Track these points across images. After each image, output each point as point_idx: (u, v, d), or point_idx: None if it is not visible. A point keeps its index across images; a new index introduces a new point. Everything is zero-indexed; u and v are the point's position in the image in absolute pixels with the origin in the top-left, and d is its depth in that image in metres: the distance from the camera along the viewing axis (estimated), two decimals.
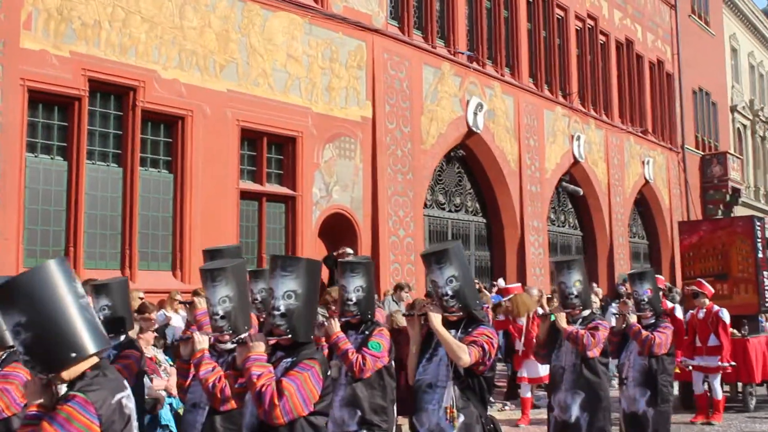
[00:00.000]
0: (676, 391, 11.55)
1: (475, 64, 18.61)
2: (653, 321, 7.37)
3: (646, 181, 26.36)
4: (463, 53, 18.19)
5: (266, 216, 13.50)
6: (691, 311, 11.65)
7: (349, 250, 13.95)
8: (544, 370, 10.46)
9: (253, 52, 13.16)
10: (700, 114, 31.44)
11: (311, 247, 13.81)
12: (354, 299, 5.76)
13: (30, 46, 10.34)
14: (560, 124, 21.81)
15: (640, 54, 26.53)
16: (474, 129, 18.11)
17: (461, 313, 4.72)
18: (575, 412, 6.28)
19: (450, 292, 4.67)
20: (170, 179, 12.07)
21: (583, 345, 6.29)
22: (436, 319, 4.63)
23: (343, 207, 14.67)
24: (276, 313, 4.01)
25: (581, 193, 22.49)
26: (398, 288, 13.05)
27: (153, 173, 11.94)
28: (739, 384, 12.45)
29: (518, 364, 11.69)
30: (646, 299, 7.32)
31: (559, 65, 22.19)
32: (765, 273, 13.42)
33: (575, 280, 6.52)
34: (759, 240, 13.43)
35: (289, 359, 4.00)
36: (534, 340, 10.19)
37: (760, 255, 13.39)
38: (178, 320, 10.00)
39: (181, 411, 7.44)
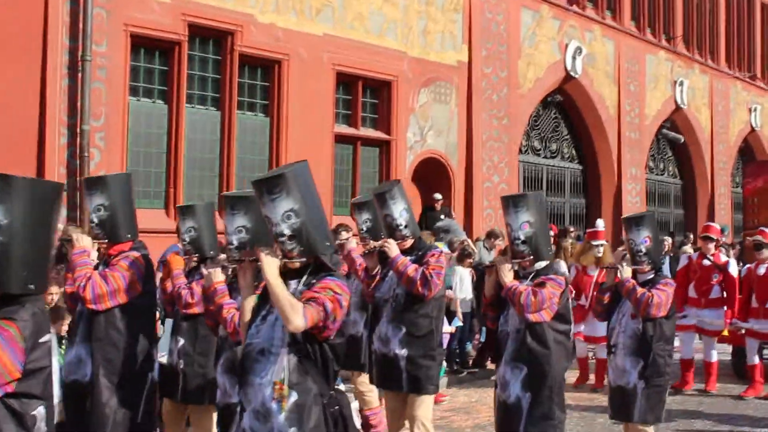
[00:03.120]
0: (729, 356, 10.75)
1: (575, 7, 18.00)
2: (651, 276, 5.87)
3: (753, 129, 25.24)
4: None
5: (360, 160, 13.52)
6: (749, 265, 10.22)
7: (438, 196, 13.91)
8: (602, 329, 9.56)
9: None
10: None
11: (406, 192, 13.77)
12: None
13: None
14: (663, 68, 20.99)
15: None
16: (572, 74, 17.61)
17: (304, 258, 3.67)
18: (515, 390, 4.97)
19: (288, 232, 3.63)
20: (267, 122, 12.17)
21: (519, 305, 4.93)
22: (269, 266, 3.54)
23: (437, 152, 14.56)
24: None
25: (682, 140, 21.71)
26: (491, 235, 12.92)
27: (250, 117, 12.07)
28: None
29: (579, 318, 10.21)
30: (643, 249, 5.82)
31: (663, 7, 21.26)
32: None
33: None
34: None
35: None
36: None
37: None
38: None
39: None
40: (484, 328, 10.98)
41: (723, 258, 10.09)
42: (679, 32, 21.75)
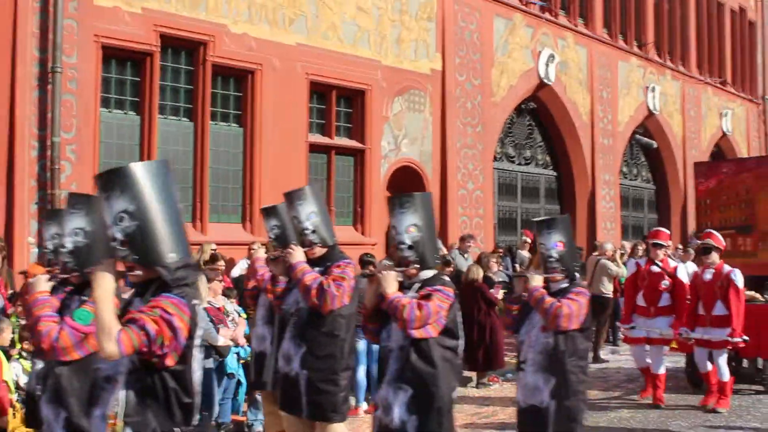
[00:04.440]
0: (681, 365, 10.26)
1: (547, 15, 18.09)
2: (565, 285, 5.27)
3: (724, 134, 25.46)
4: (535, 3, 17.69)
5: (335, 169, 13.46)
6: (695, 270, 9.70)
7: None
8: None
9: (323, 5, 13.01)
10: None
11: (380, 201, 13.76)
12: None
13: (103, 3, 10.39)
14: (635, 75, 21.13)
15: (720, 1, 25.43)
16: (545, 81, 17.68)
17: (140, 271, 3.17)
18: (399, 413, 4.44)
19: (121, 237, 3.14)
20: (240, 133, 12.10)
21: (402, 320, 4.43)
22: (100, 281, 3.04)
23: (411, 160, 14.54)
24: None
25: (655, 146, 21.85)
26: (463, 239, 12.94)
27: (223, 127, 11.99)
28: (760, 360, 10.01)
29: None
30: (555, 255, 5.23)
31: (635, 14, 21.40)
32: None
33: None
34: None
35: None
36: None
37: None
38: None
39: (249, 359, 7.59)
40: None
41: (672, 263, 9.53)
42: (651, 39, 21.90)
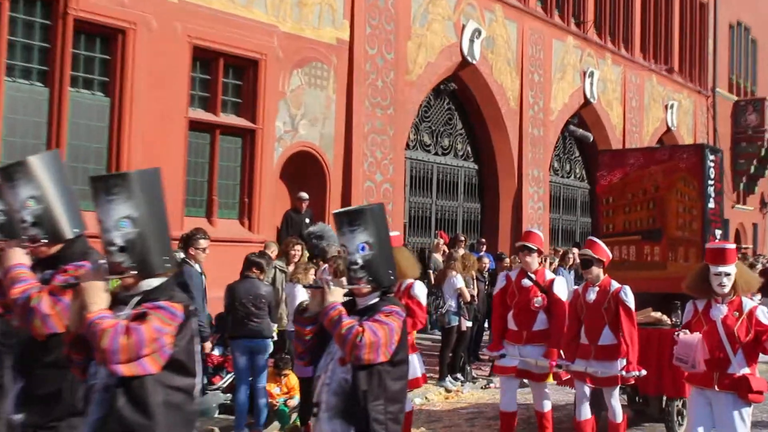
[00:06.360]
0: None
1: None
2: (374, 301, 4.62)
3: (669, 129, 26.38)
4: None
5: (219, 152, 13.39)
6: (575, 287, 9.01)
7: (304, 195, 13.91)
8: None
9: None
10: (737, 52, 31.42)
11: (271, 190, 13.74)
12: None
13: None
14: (571, 57, 21.69)
15: None
16: (469, 59, 17.97)
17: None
18: None
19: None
20: (106, 104, 11.91)
21: (102, 351, 3.78)
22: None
23: (310, 144, 14.58)
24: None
25: (591, 139, 22.48)
26: None
27: (86, 96, 11.79)
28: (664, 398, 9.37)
29: None
30: (360, 261, 4.57)
31: None
32: (717, 232, 10.45)
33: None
34: (711, 182, 10.33)
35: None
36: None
37: (711, 204, 10.27)
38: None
39: None
40: None
41: (549, 276, 8.76)
42: (591, 17, 22.50)
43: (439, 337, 12.95)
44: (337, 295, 4.53)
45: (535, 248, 8.61)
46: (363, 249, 4.55)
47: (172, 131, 12.39)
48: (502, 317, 8.71)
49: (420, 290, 8.09)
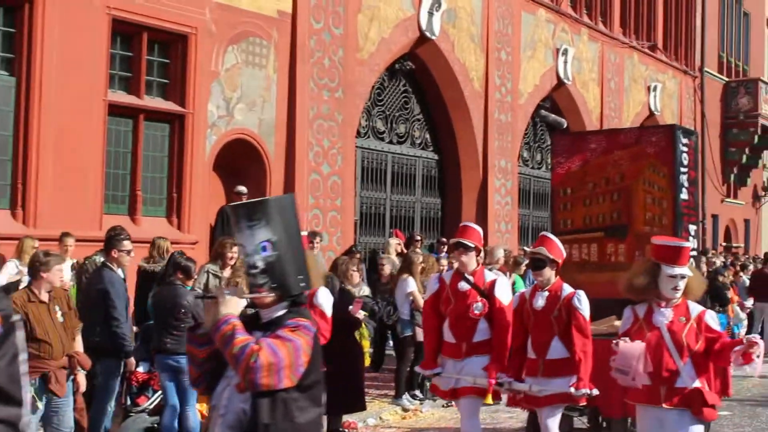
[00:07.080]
0: (521, 423, 9.81)
1: None
2: (281, 313, 4.32)
3: (651, 113, 26.64)
4: None
5: (143, 139, 13.33)
6: (521, 291, 8.80)
7: (242, 189, 13.88)
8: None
9: None
10: (728, 28, 31.81)
11: (203, 184, 13.70)
12: None
13: None
14: (542, 33, 21.82)
15: None
16: (428, 34, 18.01)
17: None
18: None
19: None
20: (11, 84, 11.81)
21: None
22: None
23: (248, 131, 14.55)
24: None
25: (565, 125, 22.60)
26: (311, 236, 13.07)
27: None
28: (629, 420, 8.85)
29: None
30: (260, 264, 4.30)
31: None
32: (691, 226, 10.21)
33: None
34: (684, 169, 10.07)
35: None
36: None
37: (684, 195, 10.01)
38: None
39: None
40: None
41: (489, 277, 8.34)
42: None
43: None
44: (232, 306, 4.24)
45: (473, 245, 8.23)
46: (265, 249, 4.29)
47: (88, 116, 12.29)
48: (435, 329, 8.36)
49: (324, 298, 8.08)
